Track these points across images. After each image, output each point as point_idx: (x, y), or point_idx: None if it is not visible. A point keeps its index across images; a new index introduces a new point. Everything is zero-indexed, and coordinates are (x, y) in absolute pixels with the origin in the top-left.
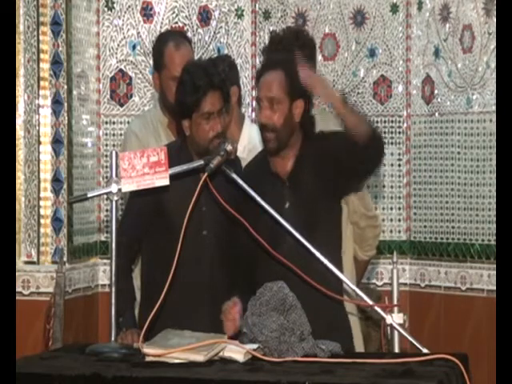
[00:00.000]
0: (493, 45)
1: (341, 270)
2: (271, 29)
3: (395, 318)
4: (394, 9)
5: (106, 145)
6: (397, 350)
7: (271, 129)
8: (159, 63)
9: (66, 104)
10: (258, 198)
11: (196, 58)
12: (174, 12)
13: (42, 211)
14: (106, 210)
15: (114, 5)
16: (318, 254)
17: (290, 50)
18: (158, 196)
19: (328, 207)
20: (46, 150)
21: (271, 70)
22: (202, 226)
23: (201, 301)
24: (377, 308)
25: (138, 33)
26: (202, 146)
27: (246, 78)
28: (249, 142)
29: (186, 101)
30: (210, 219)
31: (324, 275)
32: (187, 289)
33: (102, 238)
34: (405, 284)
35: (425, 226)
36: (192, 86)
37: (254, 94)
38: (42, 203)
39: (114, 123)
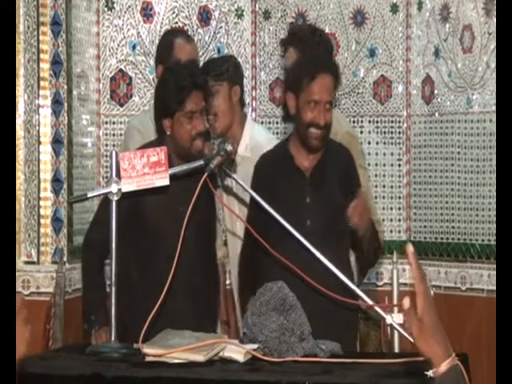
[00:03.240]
0: (493, 45)
1: (350, 271)
2: (271, 29)
3: (395, 318)
4: (394, 9)
5: (106, 145)
6: (397, 350)
7: (324, 127)
8: (166, 54)
9: (65, 104)
10: (258, 198)
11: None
12: (173, 12)
13: (42, 211)
14: None
15: (114, 5)
16: (318, 254)
17: (304, 42)
18: (136, 196)
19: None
20: (46, 150)
21: (324, 73)
22: (181, 226)
23: (181, 301)
24: (377, 308)
25: (138, 33)
26: (184, 145)
27: (245, 77)
28: (251, 141)
29: (169, 100)
30: (189, 219)
31: (328, 277)
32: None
33: None
34: (405, 284)
35: (425, 226)
36: (176, 85)
37: (254, 94)
38: (42, 203)
39: (114, 123)
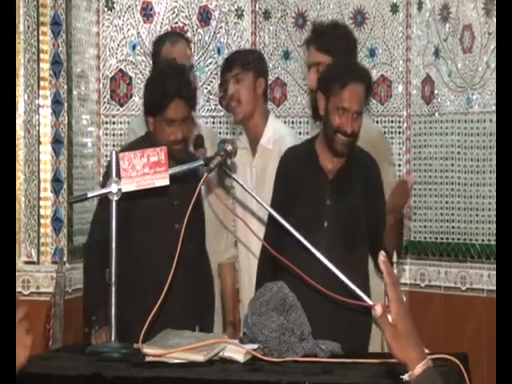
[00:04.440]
0: (493, 45)
1: (367, 273)
2: (271, 29)
3: None
4: (394, 9)
5: (106, 145)
6: None
7: (351, 135)
8: (155, 62)
9: (65, 104)
10: (258, 199)
11: (196, 58)
12: (173, 12)
13: (42, 211)
14: None
15: (114, 5)
16: (317, 254)
17: (324, 39)
18: (135, 195)
19: (364, 213)
20: (46, 150)
21: (356, 82)
22: (174, 219)
23: (173, 297)
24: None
25: (138, 33)
26: (165, 145)
27: None
28: (274, 134)
29: (152, 102)
30: (182, 213)
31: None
32: (159, 283)
33: None
34: (405, 284)
35: (425, 226)
36: (160, 90)
37: None
38: (42, 203)
39: (114, 123)
